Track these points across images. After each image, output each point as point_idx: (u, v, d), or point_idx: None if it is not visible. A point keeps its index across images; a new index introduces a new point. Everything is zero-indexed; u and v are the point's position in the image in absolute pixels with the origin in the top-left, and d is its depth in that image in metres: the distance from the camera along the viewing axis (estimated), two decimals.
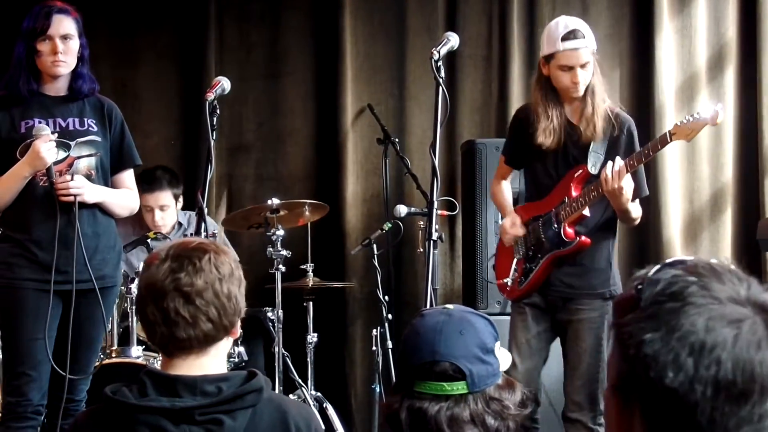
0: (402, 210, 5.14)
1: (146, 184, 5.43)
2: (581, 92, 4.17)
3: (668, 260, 1.28)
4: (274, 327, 5.23)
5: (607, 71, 5.96)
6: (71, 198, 3.99)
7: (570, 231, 4.23)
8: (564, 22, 4.16)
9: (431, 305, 3.35)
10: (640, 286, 1.24)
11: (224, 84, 3.88)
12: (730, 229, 5.88)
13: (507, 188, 4.58)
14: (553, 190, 4.30)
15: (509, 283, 4.41)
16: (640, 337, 1.20)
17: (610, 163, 4.03)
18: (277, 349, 5.15)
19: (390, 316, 5.20)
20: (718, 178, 5.91)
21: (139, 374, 2.27)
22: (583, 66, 4.13)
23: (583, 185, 4.22)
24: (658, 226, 5.85)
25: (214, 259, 2.27)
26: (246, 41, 6.45)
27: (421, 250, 4.97)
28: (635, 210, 4.19)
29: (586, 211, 4.20)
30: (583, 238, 4.22)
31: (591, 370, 4.20)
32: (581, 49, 4.12)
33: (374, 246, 5.36)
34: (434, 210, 3.52)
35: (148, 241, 5.27)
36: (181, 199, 5.74)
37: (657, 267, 1.26)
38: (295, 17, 6.42)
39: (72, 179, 4.01)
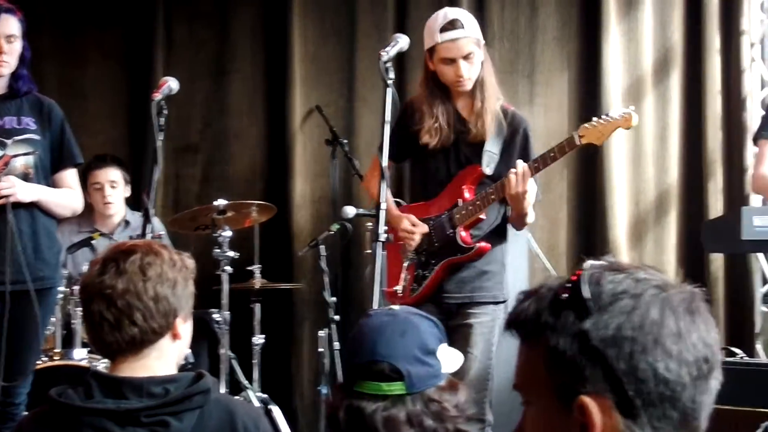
0: (350, 211, 5.12)
1: (97, 162, 5.54)
2: (468, 86, 4.01)
3: (586, 264, 1.29)
4: (220, 328, 5.20)
5: (556, 73, 6.05)
6: (3, 201, 3.94)
7: (466, 236, 4.05)
8: (444, 13, 3.99)
9: (378, 307, 3.34)
10: (565, 295, 1.25)
11: (171, 84, 3.85)
12: (674, 231, 5.92)
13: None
14: (443, 191, 4.11)
15: (400, 291, 4.09)
16: (621, 336, 1.21)
17: (519, 162, 3.86)
18: (223, 350, 5.13)
19: (337, 317, 5.18)
20: (663, 180, 5.95)
21: (81, 377, 2.24)
22: (466, 58, 3.96)
23: (476, 186, 4.05)
24: (604, 227, 5.88)
25: (140, 261, 2.23)
26: (194, 39, 6.42)
27: (369, 251, 4.95)
28: (531, 215, 4.02)
29: (483, 215, 4.03)
30: (483, 243, 4.04)
31: (480, 376, 4.00)
32: (461, 39, 3.93)
33: (322, 247, 5.34)
34: (382, 211, 3.48)
35: (92, 242, 5.21)
36: (129, 188, 5.71)
37: (584, 270, 1.27)
38: (244, 15, 6.39)
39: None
